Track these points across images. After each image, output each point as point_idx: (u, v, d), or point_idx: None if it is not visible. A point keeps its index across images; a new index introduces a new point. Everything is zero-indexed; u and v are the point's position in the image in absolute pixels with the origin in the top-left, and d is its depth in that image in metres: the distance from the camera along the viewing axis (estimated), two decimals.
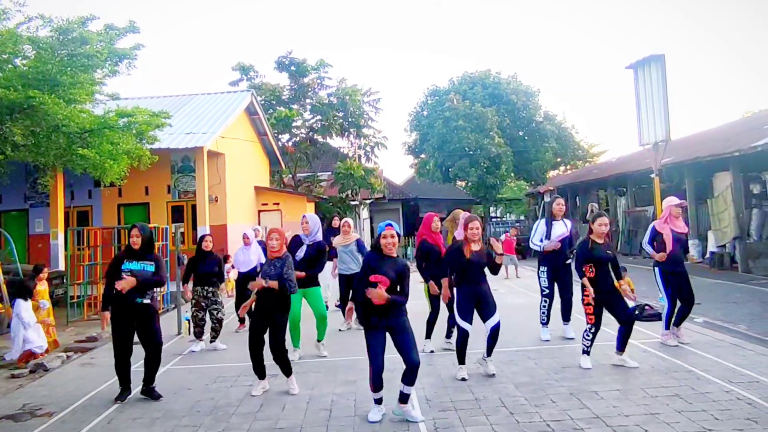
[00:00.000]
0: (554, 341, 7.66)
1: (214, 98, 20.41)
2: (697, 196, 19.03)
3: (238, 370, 6.87)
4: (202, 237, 8.60)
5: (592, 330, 6.31)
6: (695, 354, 6.68)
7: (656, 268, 7.30)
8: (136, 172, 12.63)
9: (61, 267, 13.65)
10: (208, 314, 8.24)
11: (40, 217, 17.17)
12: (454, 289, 6.32)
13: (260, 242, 9.58)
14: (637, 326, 7.69)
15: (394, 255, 5.10)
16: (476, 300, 6.11)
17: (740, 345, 7.05)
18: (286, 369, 5.91)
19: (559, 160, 37.00)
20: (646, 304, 8.96)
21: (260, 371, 5.96)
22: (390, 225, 5.23)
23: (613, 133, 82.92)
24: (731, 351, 6.76)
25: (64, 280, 12.41)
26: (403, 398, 5.02)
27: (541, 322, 7.86)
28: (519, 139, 31.64)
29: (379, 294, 4.84)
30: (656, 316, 8.46)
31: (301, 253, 7.22)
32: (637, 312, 8.40)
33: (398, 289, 5.04)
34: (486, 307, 6.12)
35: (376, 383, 5.03)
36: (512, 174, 31.63)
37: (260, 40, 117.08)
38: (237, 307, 9.18)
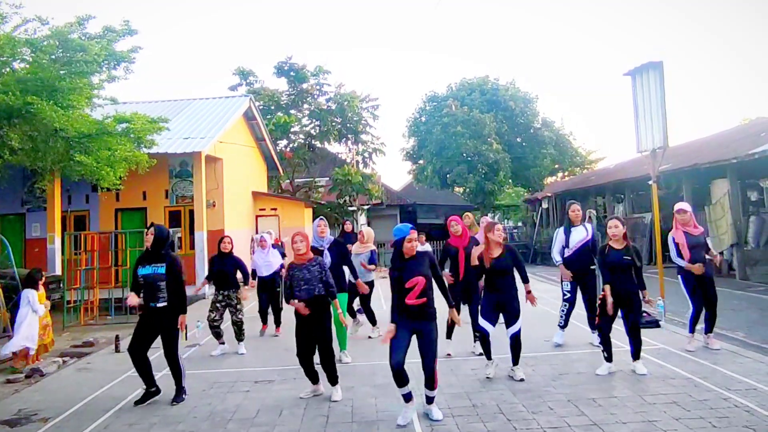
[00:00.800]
0: (551, 348, 7.64)
1: (212, 103, 20.41)
2: (695, 203, 19.00)
3: (235, 376, 6.85)
4: (222, 238, 8.42)
5: (601, 333, 6.38)
6: (693, 361, 6.68)
7: (680, 276, 7.30)
8: (133, 176, 12.62)
9: (58, 271, 13.61)
10: (223, 316, 8.21)
11: (37, 222, 17.15)
12: (482, 293, 6.45)
13: (273, 246, 9.78)
14: (645, 338, 7.70)
15: (414, 253, 5.14)
16: (498, 307, 6.18)
17: (738, 352, 7.04)
18: (332, 377, 5.86)
19: (557, 166, 37.00)
20: (643, 311, 8.94)
21: (313, 377, 5.92)
22: (412, 228, 5.20)
23: (611, 139, 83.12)
24: (729, 358, 6.75)
25: (61, 285, 12.38)
26: (428, 400, 5.20)
27: (559, 325, 7.81)
28: (517, 145, 31.67)
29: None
30: (653, 323, 8.48)
31: (327, 260, 6.94)
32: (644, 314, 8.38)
33: (434, 280, 5.13)
34: (507, 315, 6.17)
35: (396, 379, 5.01)
36: (510, 180, 31.66)
37: (259, 41, 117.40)
38: (260, 311, 9.42)
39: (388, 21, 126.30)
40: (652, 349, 7.28)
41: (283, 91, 27.36)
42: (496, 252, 6.15)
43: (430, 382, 5.08)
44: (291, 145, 27.36)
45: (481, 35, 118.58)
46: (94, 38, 10.44)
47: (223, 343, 8.19)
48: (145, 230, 6.11)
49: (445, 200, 36.39)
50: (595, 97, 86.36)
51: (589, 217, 8.90)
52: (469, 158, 28.21)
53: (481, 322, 6.23)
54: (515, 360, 6.24)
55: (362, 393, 6.00)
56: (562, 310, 7.77)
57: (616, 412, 5.08)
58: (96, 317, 12.18)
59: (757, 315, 10.29)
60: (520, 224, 41.44)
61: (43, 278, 9.05)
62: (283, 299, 10.08)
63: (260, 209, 20.82)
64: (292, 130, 26.66)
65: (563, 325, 7.78)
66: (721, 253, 17.00)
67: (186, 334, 8.37)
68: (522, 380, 6.12)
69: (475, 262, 6.32)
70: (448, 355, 7.17)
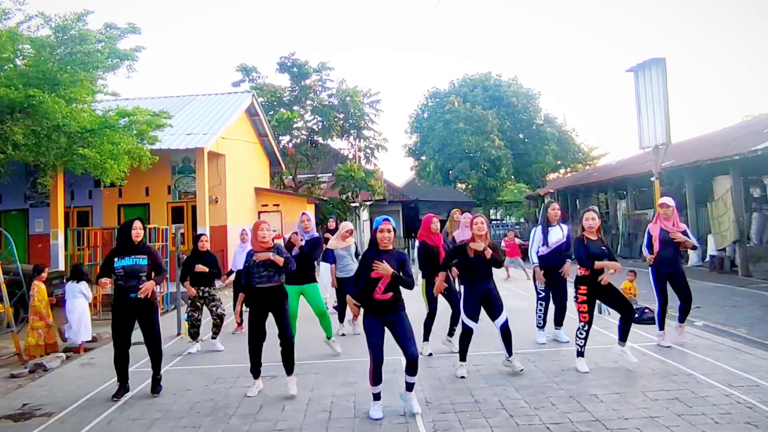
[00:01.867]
0: (553, 344, 7.65)
1: (215, 99, 20.41)
2: (697, 199, 19.04)
3: (237, 372, 6.86)
4: (199, 236, 8.57)
5: (585, 328, 6.32)
6: (695, 357, 6.68)
7: (650, 269, 7.38)
8: (136, 172, 12.63)
9: (61, 267, 13.63)
10: (204, 314, 8.29)
11: (40, 217, 17.18)
12: (461, 288, 6.40)
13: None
14: (637, 329, 7.73)
15: (391, 248, 5.24)
16: (483, 299, 6.18)
17: (740, 348, 7.04)
18: (290, 365, 5.89)
19: (559, 162, 37.00)
20: (646, 307, 8.95)
21: (256, 369, 5.96)
22: (387, 219, 5.28)
23: (614, 135, 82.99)
24: (731, 354, 6.75)
25: (64, 281, 12.40)
26: (408, 387, 5.21)
27: (537, 326, 7.86)
28: (519, 141, 31.68)
29: (384, 267, 5.01)
30: (653, 319, 8.46)
31: (296, 250, 7.24)
32: (636, 315, 8.39)
33: (399, 280, 5.16)
34: (494, 306, 6.19)
35: (376, 376, 5.12)
36: (512, 176, 31.67)
37: (262, 38, 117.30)
38: (235, 307, 9.18)
39: (390, 20, 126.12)
40: (653, 345, 7.29)
41: (285, 87, 27.36)
42: (481, 246, 6.10)
43: (413, 367, 5.08)
44: (293, 141, 27.37)
45: (483, 34, 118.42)
46: (97, 34, 10.45)
47: (198, 342, 8.16)
48: (131, 224, 6.13)
49: (448, 196, 36.38)
50: (597, 94, 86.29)
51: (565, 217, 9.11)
52: (471, 154, 28.23)
53: (466, 319, 6.21)
54: (509, 350, 6.25)
55: (364, 388, 5.99)
56: (539, 310, 7.83)
57: (618, 408, 5.08)
58: (99, 313, 12.21)
59: (759, 311, 10.28)
60: (522, 220, 41.41)
61: (47, 274, 9.12)
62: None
63: (263, 205, 20.83)
64: (294, 126, 26.68)
65: (542, 325, 7.83)
66: (723, 250, 17.02)
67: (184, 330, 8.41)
68: (522, 370, 6.19)
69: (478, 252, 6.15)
70: (430, 354, 7.17)
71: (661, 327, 7.32)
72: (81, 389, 6.42)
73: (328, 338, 7.58)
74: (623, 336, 6.35)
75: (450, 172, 29.70)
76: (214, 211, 16.29)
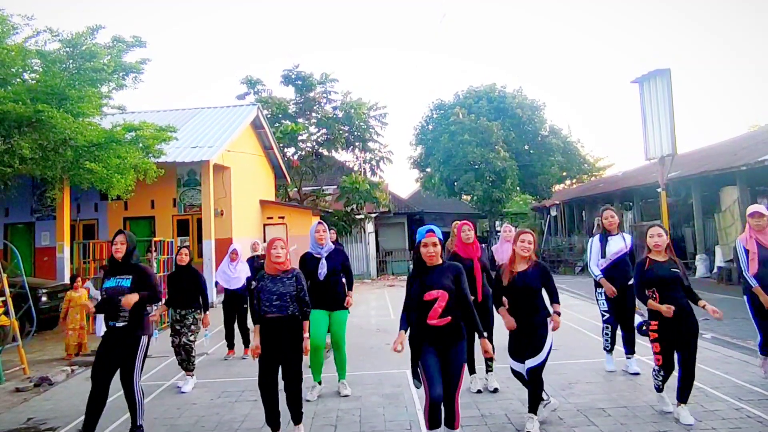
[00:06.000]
0: (562, 356, 7.58)
1: (220, 112, 20.53)
2: (704, 210, 18.95)
3: (242, 386, 6.84)
4: (179, 248, 7.42)
5: (661, 373, 5.13)
6: (704, 370, 6.61)
7: (745, 296, 6.09)
8: (142, 185, 12.68)
9: (67, 280, 13.65)
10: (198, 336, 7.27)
11: (47, 230, 17.27)
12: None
13: (250, 260, 9.30)
14: (643, 341, 7.63)
15: (439, 262, 4.40)
16: (523, 336, 4.97)
17: (750, 361, 6.96)
18: (297, 415, 4.97)
19: (564, 174, 36.86)
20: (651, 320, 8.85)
21: (274, 421, 4.87)
22: (431, 231, 4.39)
23: (619, 146, 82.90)
24: (741, 367, 6.69)
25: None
26: None
27: (605, 349, 6.90)
28: (524, 153, 31.59)
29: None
30: None
31: (323, 269, 6.15)
32: (644, 327, 8.25)
33: (461, 294, 4.31)
34: (528, 344, 4.95)
35: (433, 416, 4.17)
36: (518, 188, 31.56)
37: (265, 45, 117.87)
38: (226, 330, 8.70)
39: (395, 28, 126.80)
40: None
41: (290, 100, 27.52)
42: (521, 267, 5.06)
43: (451, 419, 4.28)
44: (299, 154, 27.47)
45: (487, 45, 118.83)
46: (104, 48, 10.55)
47: (192, 374, 7.01)
48: (113, 239, 5.19)
49: (453, 208, 36.31)
50: (603, 105, 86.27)
51: (598, 225, 8.36)
52: (476, 166, 28.18)
53: (512, 363, 5.13)
54: (532, 405, 4.95)
55: (370, 403, 5.98)
56: (605, 332, 6.87)
57: (626, 423, 5.03)
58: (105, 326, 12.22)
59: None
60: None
61: (80, 282, 9.75)
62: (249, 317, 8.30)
63: (268, 218, 20.87)
64: (299, 138, 26.79)
65: (609, 349, 6.86)
66: (731, 261, 16.90)
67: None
68: None
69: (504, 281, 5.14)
70: (479, 391, 6.12)
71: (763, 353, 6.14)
72: (86, 403, 6.39)
73: (341, 380, 6.44)
74: (681, 396, 5.02)
75: (455, 183, 29.65)
76: (219, 224, 16.31)
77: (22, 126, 9.67)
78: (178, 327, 7.01)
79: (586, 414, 5.31)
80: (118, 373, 5.10)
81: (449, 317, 4.23)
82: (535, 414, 4.94)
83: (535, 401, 4.95)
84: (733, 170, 15.90)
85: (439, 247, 4.37)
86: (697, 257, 18.56)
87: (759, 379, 6.16)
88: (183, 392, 6.71)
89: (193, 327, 7.03)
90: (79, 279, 9.96)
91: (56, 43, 10.19)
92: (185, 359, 6.93)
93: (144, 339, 5.17)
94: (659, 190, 18.32)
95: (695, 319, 5.08)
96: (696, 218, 19.02)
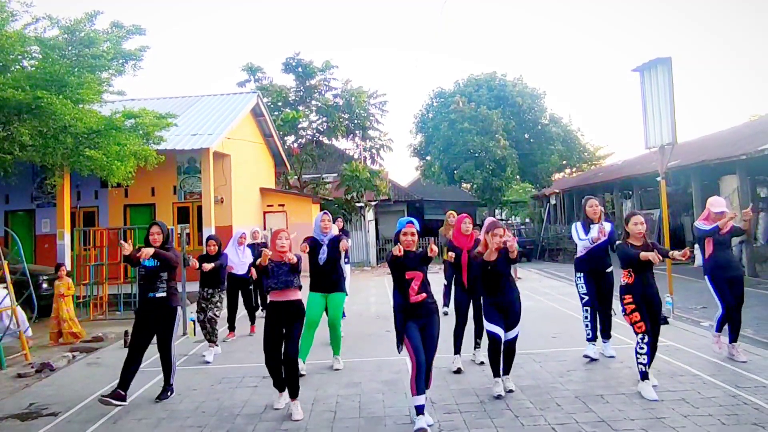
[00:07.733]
0: (560, 344, 7.63)
1: (220, 99, 20.45)
2: (704, 199, 18.91)
3: (243, 371, 6.88)
4: (208, 238, 8.31)
5: (645, 340, 5.51)
6: (701, 358, 6.65)
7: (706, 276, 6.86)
8: (142, 172, 12.67)
9: (67, 267, 13.68)
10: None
11: (47, 217, 17.26)
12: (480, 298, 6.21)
13: (250, 245, 9.54)
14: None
15: (414, 249, 5.11)
16: (500, 310, 5.71)
17: (747, 349, 6.98)
18: (294, 389, 5.34)
19: (564, 162, 36.90)
20: None
21: (281, 384, 5.51)
22: (411, 222, 5.13)
23: (619, 135, 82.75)
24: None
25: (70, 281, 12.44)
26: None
27: (587, 338, 6.93)
28: (524, 141, 31.58)
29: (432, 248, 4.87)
30: (661, 320, 8.41)
31: (323, 255, 6.64)
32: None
33: (426, 270, 5.11)
34: (507, 319, 5.72)
35: (420, 382, 4.74)
36: (517, 176, 31.59)
37: (267, 37, 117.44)
38: (229, 315, 9.04)
39: (395, 20, 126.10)
40: (660, 345, 7.23)
41: (290, 88, 27.40)
42: (494, 256, 5.66)
43: (427, 378, 4.97)
44: (299, 141, 27.41)
45: (488, 34, 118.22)
46: (103, 34, 10.50)
47: (216, 345, 7.85)
48: (149, 228, 6.01)
49: (453, 196, 36.36)
50: (602, 94, 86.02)
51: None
52: (476, 154, 28.18)
53: (490, 326, 5.68)
54: (506, 369, 5.77)
55: (369, 389, 6.02)
56: (585, 318, 6.96)
57: (624, 409, 5.07)
58: (105, 312, 12.27)
59: (766, 312, 10.24)
60: (527, 220, 41.38)
61: (64, 271, 9.94)
62: (258, 298, 10.10)
63: (268, 205, 20.85)
64: (299, 126, 26.71)
65: (591, 337, 6.89)
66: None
67: (194, 330, 8.42)
68: (511, 391, 5.66)
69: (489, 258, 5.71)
70: (458, 370, 6.49)
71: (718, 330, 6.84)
72: (87, 389, 6.44)
73: (335, 355, 6.96)
74: (644, 374, 5.54)
75: (455, 171, 29.67)
76: (219, 212, 16.30)
77: (22, 113, 9.64)
78: (204, 305, 7.85)
79: (584, 400, 5.35)
80: None
81: (424, 293, 5.01)
82: (508, 374, 5.79)
83: (509, 365, 5.80)
84: (733, 159, 15.90)
85: (416, 236, 5.12)
86: (696, 246, 18.58)
87: (756, 366, 6.21)
88: (208, 362, 7.43)
89: (219, 303, 7.97)
90: (63, 268, 10.11)
91: (55, 30, 10.14)
92: (210, 332, 7.76)
93: (179, 310, 6.12)
94: (659, 179, 18.29)
95: (660, 299, 5.78)
96: (695, 207, 19.04)
